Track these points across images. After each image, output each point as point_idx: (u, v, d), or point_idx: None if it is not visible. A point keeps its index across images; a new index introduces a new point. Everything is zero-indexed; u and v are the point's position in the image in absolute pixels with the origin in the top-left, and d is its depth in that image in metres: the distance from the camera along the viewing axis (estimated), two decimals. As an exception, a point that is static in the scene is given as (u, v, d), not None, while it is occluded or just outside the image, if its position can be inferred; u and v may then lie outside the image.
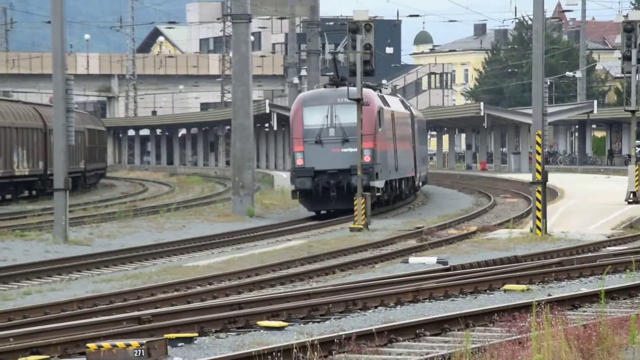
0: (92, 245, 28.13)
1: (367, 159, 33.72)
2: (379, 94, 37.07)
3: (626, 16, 35.57)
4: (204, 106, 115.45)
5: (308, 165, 33.25)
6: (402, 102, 42.14)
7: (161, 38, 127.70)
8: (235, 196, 37.99)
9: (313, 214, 36.48)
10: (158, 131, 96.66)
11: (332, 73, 36.96)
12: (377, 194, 34.56)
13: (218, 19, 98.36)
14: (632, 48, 34.30)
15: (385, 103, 36.35)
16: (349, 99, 30.89)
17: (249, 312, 14.47)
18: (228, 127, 73.22)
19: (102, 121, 76.74)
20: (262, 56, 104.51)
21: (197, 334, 13.39)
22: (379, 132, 34.93)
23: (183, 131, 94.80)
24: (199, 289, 18.80)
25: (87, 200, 48.29)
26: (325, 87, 34.98)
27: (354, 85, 30.89)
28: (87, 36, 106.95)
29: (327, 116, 33.93)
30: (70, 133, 29.38)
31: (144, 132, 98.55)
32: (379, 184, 34.64)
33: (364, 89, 32.13)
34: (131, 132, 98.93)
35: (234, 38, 38.45)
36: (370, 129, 33.97)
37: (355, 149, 31.88)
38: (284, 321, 14.16)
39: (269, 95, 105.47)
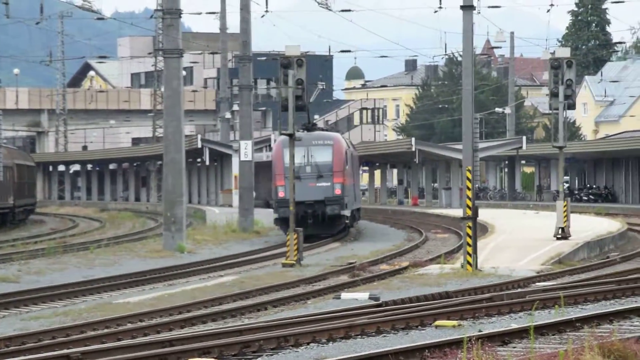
0: (20, 282, 27.74)
1: (337, 191, 39.99)
2: (342, 136, 43.82)
3: (553, 53, 36.15)
4: (136, 141, 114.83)
5: (288, 197, 36.32)
6: (349, 141, 48.72)
7: (92, 72, 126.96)
8: (166, 232, 37.77)
9: (244, 250, 37.29)
10: (89, 166, 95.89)
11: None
12: (346, 221, 41.31)
13: (149, 53, 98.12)
14: (559, 85, 34.82)
15: (347, 145, 42.98)
16: (317, 142, 39.87)
17: (181, 349, 14.36)
18: (160, 162, 72.91)
19: (31, 156, 75.99)
20: (194, 91, 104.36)
21: (127, 373, 13.24)
22: (346, 170, 41.05)
23: (114, 166, 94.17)
24: (129, 326, 18.61)
25: (15, 237, 47.65)
26: (300, 131, 39.23)
27: (326, 130, 37.59)
28: (16, 71, 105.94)
29: (304, 156, 40.06)
30: (-1, 168, 29.04)
31: (75, 167, 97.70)
32: (347, 212, 40.83)
33: (334, 133, 41.64)
34: (61, 167, 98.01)
35: (165, 73, 38.36)
36: (340, 166, 40.49)
37: (328, 183, 39.55)
38: (215, 358, 14.08)
39: (201, 130, 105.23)
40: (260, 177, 61.92)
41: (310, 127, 41.76)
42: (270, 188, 49.07)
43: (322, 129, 44.24)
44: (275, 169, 40.45)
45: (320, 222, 39.90)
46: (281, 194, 39.60)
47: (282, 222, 39.59)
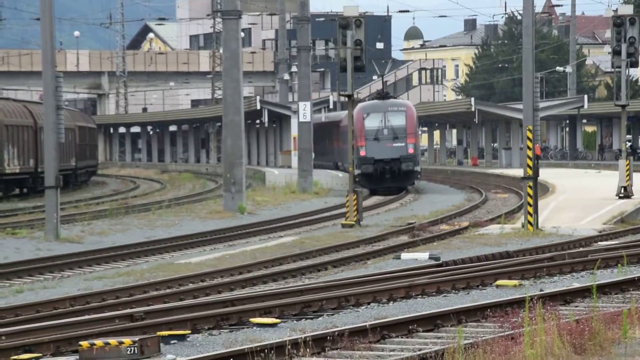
0: (84, 242, 28.09)
1: (410, 150, 46.65)
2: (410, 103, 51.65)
3: (616, 11, 35.60)
4: (195, 103, 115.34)
5: (369, 156, 45.87)
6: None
7: (151, 35, 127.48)
8: (226, 193, 37.97)
9: (304, 211, 37.50)
10: (149, 128, 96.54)
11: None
12: (418, 176, 48.46)
13: (208, 15, 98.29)
14: (621, 43, 34.33)
15: (416, 111, 49.41)
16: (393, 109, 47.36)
17: (242, 309, 14.46)
18: (219, 123, 73.22)
19: (92, 118, 76.62)
20: (253, 52, 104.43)
21: (189, 332, 13.38)
22: (417, 132, 48.68)
23: (174, 128, 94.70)
24: (191, 286, 18.78)
25: (78, 198, 48.22)
26: (376, 99, 48.58)
27: (396, 98, 43.62)
28: (76, 33, 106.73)
29: (381, 120, 46.66)
30: (61, 130, 29.33)
31: (135, 129, 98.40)
32: (418, 168, 48.00)
33: (406, 101, 50.67)
34: (122, 130, 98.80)
35: (224, 34, 38.40)
36: (412, 129, 47.09)
37: (402, 144, 46.16)
38: (276, 318, 14.17)
39: (260, 91, 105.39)
40: (327, 138, 61.59)
41: (385, 94, 48.74)
42: (338, 149, 56.45)
43: (394, 97, 52.58)
44: (356, 132, 45.60)
45: (397, 176, 46.57)
46: (362, 153, 46.22)
47: (365, 177, 46.34)
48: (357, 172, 45.06)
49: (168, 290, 18.02)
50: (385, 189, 46.10)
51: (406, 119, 46.89)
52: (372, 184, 46.72)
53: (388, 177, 46.47)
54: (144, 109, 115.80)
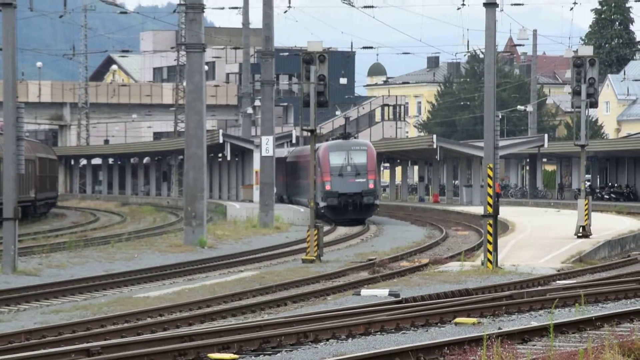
0: (42, 275, 27.85)
1: (371, 186, 51.14)
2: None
3: (576, 51, 36.05)
4: (157, 135, 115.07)
5: (334, 190, 50.66)
6: None
7: (114, 66, 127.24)
8: (187, 226, 37.84)
9: (264, 245, 37.63)
10: (110, 160, 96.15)
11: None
12: (377, 209, 53.28)
13: (172, 48, 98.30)
14: (581, 83, 34.68)
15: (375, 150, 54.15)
16: (353, 147, 52.17)
17: (200, 344, 14.38)
18: (181, 156, 73.06)
19: (53, 150, 76.20)
20: (216, 86, 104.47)
21: (146, 367, 13.27)
22: (376, 169, 53.24)
23: (136, 160, 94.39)
24: (149, 320, 18.66)
25: (37, 230, 47.84)
26: (339, 139, 54.15)
27: (355, 138, 54.88)
28: (39, 64, 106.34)
29: (345, 158, 51.17)
30: (21, 161, 29.14)
31: (96, 161, 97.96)
32: (377, 201, 52.63)
33: (366, 141, 55.84)
34: (83, 161, 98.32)
35: (187, 67, 38.41)
36: (373, 166, 51.80)
37: (364, 179, 50.66)
38: (235, 353, 14.10)
39: (223, 125, 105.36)
40: (286, 173, 62.38)
41: (347, 135, 54.10)
42: (294, 184, 60.32)
43: (355, 137, 58.55)
44: (322, 168, 50.95)
45: (358, 209, 51.14)
46: (328, 187, 50.98)
47: (330, 210, 51.01)
48: (322, 204, 50.08)
49: (126, 325, 17.89)
50: (348, 220, 50.39)
51: (367, 157, 51.59)
52: (336, 216, 51.10)
53: (351, 210, 50.95)
54: (106, 141, 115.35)
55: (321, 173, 50.78)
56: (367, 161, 51.28)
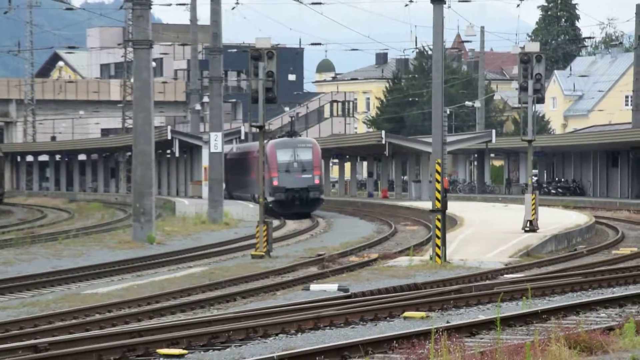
0: (-12, 272, 27.59)
1: (317, 181, 53.44)
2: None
3: (523, 48, 36.30)
4: (105, 132, 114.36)
5: (281, 185, 52.70)
6: None
7: (61, 63, 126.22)
8: (136, 223, 37.67)
9: (214, 241, 37.50)
10: (57, 157, 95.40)
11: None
12: (322, 202, 55.21)
13: (119, 44, 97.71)
14: (528, 79, 34.98)
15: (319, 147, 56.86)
16: (298, 144, 54.56)
17: (149, 339, 14.35)
18: (129, 153, 72.69)
19: (-1, 146, 75.47)
20: (164, 82, 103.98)
21: (95, 363, 13.23)
22: (321, 165, 55.57)
23: (83, 157, 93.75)
24: (97, 316, 18.58)
25: (-17, 227, 47.36)
26: (285, 137, 55.75)
27: (300, 136, 55.58)
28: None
29: (292, 155, 53.30)
30: (-33, 158, 28.83)
31: (43, 157, 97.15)
32: (323, 196, 55.32)
33: (312, 139, 58.28)
34: (29, 158, 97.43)
35: (135, 64, 38.23)
36: (318, 163, 54.06)
37: (309, 175, 52.98)
38: (184, 349, 14.08)
39: (171, 121, 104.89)
40: (238, 170, 63.40)
41: (293, 133, 56.01)
42: (235, 180, 62.24)
43: (300, 135, 59.84)
44: (270, 164, 53.02)
45: (305, 203, 53.35)
46: (275, 183, 53.08)
47: (277, 204, 53.06)
48: (270, 199, 52.14)
49: (74, 321, 17.79)
50: (295, 214, 52.38)
51: (313, 154, 53.91)
52: (283, 210, 52.95)
53: (297, 204, 53.12)
54: (53, 138, 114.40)
55: (269, 169, 52.76)
56: (313, 158, 53.57)
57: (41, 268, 28.09)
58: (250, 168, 63.39)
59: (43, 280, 25.14)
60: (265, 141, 58.33)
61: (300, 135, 59.64)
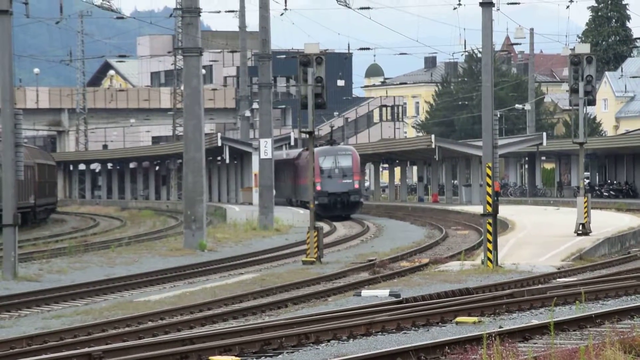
0: (42, 281, 27.87)
1: (356, 186, 57.81)
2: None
3: (573, 49, 36.04)
4: (156, 140, 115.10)
5: (324, 190, 56.65)
6: None
7: (112, 71, 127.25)
8: (187, 230, 37.85)
9: (264, 248, 37.66)
10: (109, 165, 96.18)
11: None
12: (362, 206, 60.20)
13: (169, 52, 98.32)
14: (579, 81, 34.72)
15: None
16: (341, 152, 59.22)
17: (201, 347, 14.41)
18: (180, 160, 73.05)
19: (52, 155, 76.24)
20: (214, 89, 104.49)
21: (148, 370, 13.30)
22: (360, 171, 60.24)
23: (134, 165, 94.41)
24: (150, 324, 18.68)
25: (37, 236, 47.86)
26: (328, 145, 60.24)
27: (339, 144, 63.10)
28: (36, 70, 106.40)
29: (333, 162, 57.55)
30: (20, 168, 29.16)
31: (95, 166, 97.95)
32: (362, 199, 60.07)
33: (351, 147, 63.34)
34: (82, 167, 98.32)
35: (185, 71, 38.44)
36: (357, 169, 58.43)
37: (350, 180, 57.46)
38: (236, 356, 14.12)
39: (221, 128, 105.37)
40: (282, 175, 65.50)
41: (333, 142, 60.84)
42: (293, 186, 65.67)
43: (339, 143, 67.15)
44: (314, 171, 57.15)
45: (346, 206, 57.77)
46: (318, 188, 56.02)
47: (320, 207, 55.40)
48: (314, 202, 55.24)
49: (127, 329, 17.90)
50: (337, 216, 56.57)
51: (352, 161, 58.10)
52: (326, 212, 56.66)
53: (339, 207, 57.57)
54: (105, 146, 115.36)
55: (312, 175, 56.26)
56: (353, 164, 57.91)
57: (94, 276, 28.31)
58: (288, 174, 66.21)
59: (96, 288, 25.32)
60: (306, 149, 63.12)
61: (339, 144, 65.11)
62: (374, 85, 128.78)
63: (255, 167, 60.93)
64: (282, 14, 61.76)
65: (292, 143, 71.23)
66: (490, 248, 27.26)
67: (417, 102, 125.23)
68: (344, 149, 59.93)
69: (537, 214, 51.44)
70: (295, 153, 65.26)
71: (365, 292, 22.33)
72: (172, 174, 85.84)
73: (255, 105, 73.18)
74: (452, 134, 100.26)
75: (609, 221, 41.76)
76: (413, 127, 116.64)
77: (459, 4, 48.40)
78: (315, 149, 60.25)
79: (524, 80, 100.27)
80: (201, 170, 38.08)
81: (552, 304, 17.86)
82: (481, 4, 29.12)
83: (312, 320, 16.77)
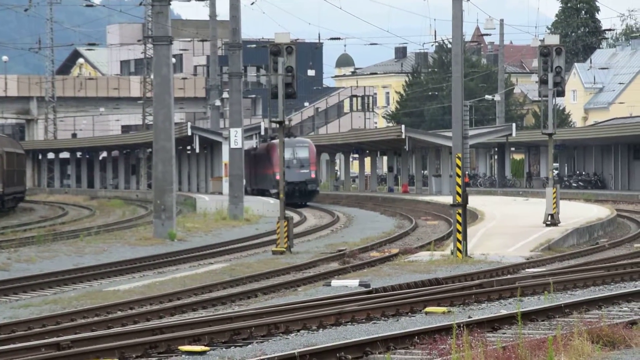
0: (10, 270, 27.71)
1: (313, 176, 62.65)
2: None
3: (542, 40, 36.17)
4: (125, 129, 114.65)
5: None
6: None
7: (81, 60, 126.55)
8: (156, 219, 37.75)
9: (234, 237, 37.70)
10: (78, 154, 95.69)
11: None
12: (317, 194, 64.45)
13: (139, 40, 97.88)
14: (548, 72, 34.86)
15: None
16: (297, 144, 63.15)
17: (171, 336, 14.38)
18: (149, 149, 72.83)
19: (20, 144, 75.74)
20: (184, 78, 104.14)
21: (117, 360, 13.26)
22: (316, 162, 64.69)
23: (104, 154, 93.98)
24: (119, 314, 18.63)
25: (5, 225, 47.58)
26: (288, 137, 62.02)
27: (296, 137, 65.41)
28: (4, 58, 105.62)
29: (291, 153, 61.36)
30: (-12, 156, 28.95)
31: (64, 155, 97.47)
32: (318, 188, 64.63)
33: (307, 139, 67.56)
34: (51, 155, 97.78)
35: (155, 60, 38.29)
36: (314, 160, 63.39)
37: (307, 170, 62.54)
38: (205, 345, 14.10)
39: (191, 117, 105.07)
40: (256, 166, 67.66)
41: (290, 134, 64.13)
42: (252, 175, 68.28)
43: (296, 136, 69.87)
44: (272, 161, 62.54)
45: (303, 194, 62.51)
46: (277, 177, 59.21)
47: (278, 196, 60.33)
48: (273, 191, 60.64)
49: (96, 318, 17.84)
50: (294, 203, 59.87)
51: (309, 152, 62.65)
52: (286, 200, 61.53)
53: (297, 195, 61.57)
54: (74, 135, 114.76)
55: (272, 166, 62.10)
56: (309, 155, 62.50)
57: (63, 265, 28.19)
58: (246, 164, 68.20)
59: (65, 277, 25.22)
60: (263, 141, 68.24)
61: (296, 136, 68.60)
62: (344, 75, 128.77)
63: (225, 157, 60.94)
64: (252, 3, 61.52)
65: (263, 133, 71.19)
66: (460, 238, 27.35)
67: (388, 93, 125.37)
68: (301, 141, 64.00)
69: (506, 204, 51.65)
70: (253, 144, 70.24)
71: (335, 282, 22.35)
72: (142, 163, 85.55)
73: (225, 95, 73.04)
74: (422, 125, 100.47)
75: (578, 212, 41.99)
76: (383, 117, 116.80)
77: (430, -5, 48.39)
78: (274, 141, 62.55)
79: (494, 71, 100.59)
80: (171, 159, 37.97)
81: (519, 294, 17.94)
82: (452, -5, 29.14)
83: (281, 310, 16.78)
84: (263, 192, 65.60)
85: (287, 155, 60.39)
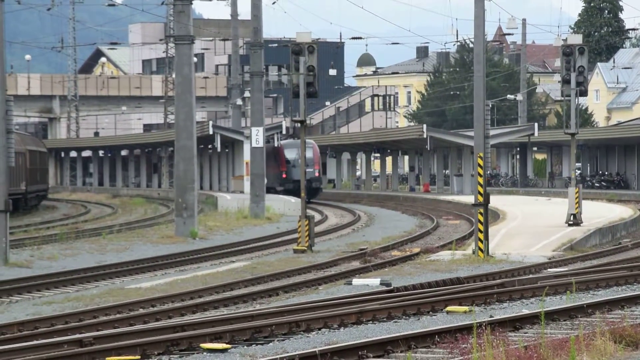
0: (33, 267, 27.85)
1: (317, 174, 66.30)
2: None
3: (565, 40, 36.05)
4: (147, 127, 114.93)
5: (289, 177, 66.34)
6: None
7: (103, 59, 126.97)
8: (178, 218, 37.84)
9: (256, 236, 37.81)
10: (100, 152, 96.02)
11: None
12: (322, 191, 68.74)
13: (161, 40, 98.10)
14: (571, 72, 34.74)
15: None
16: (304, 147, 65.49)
17: (192, 334, 14.41)
18: (171, 148, 72.95)
19: (43, 142, 76.07)
20: (206, 77, 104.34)
21: (139, 357, 13.31)
22: (320, 162, 69.01)
23: (126, 152, 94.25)
24: (141, 311, 18.68)
25: (28, 222, 47.79)
26: (292, 139, 68.62)
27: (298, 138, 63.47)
28: (27, 57, 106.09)
29: (297, 153, 64.60)
30: (11, 154, 29.10)
31: (86, 153, 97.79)
32: (322, 186, 69.41)
33: (312, 140, 70.48)
34: (73, 154, 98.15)
35: (176, 59, 38.37)
36: (318, 160, 67.20)
37: (312, 169, 64.90)
38: (227, 343, 14.13)
39: (213, 116, 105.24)
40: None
41: (295, 136, 67.06)
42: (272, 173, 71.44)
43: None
44: (279, 160, 67.24)
45: (308, 192, 65.07)
46: (284, 175, 66.48)
47: (286, 192, 64.66)
48: (279, 188, 64.98)
49: (118, 316, 17.91)
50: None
51: (313, 152, 66.05)
52: (291, 195, 62.98)
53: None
54: (96, 133, 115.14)
55: (279, 165, 66.48)
56: (314, 156, 66.18)
57: (85, 263, 28.30)
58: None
59: (87, 275, 25.32)
60: (268, 142, 70.28)
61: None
62: (365, 75, 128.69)
63: (246, 156, 60.99)
64: (274, 2, 61.59)
65: (284, 132, 71.32)
66: (482, 238, 27.30)
67: (409, 92, 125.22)
68: (305, 142, 69.64)
69: (528, 204, 51.50)
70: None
71: (356, 281, 22.35)
72: (164, 161, 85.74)
73: (246, 94, 73.11)
74: (443, 124, 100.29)
75: (600, 212, 41.83)
76: (405, 116, 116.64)
77: (452, -6, 48.31)
78: (281, 142, 66.94)
79: (516, 71, 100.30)
80: (192, 158, 38.05)
81: (542, 294, 17.90)
82: (474, -6, 29.06)
83: (303, 309, 16.78)
84: (269, 190, 67.46)
85: (293, 155, 64.87)
